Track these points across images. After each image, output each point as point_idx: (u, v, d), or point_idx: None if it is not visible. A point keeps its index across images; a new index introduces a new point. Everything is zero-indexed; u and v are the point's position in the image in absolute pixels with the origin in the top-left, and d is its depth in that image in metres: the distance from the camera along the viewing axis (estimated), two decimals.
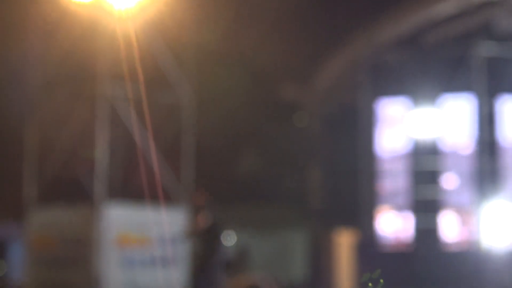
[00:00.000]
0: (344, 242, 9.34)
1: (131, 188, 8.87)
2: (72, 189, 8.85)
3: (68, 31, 8.23)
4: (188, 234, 6.40)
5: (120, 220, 8.62)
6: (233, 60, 9.73)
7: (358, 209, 9.34)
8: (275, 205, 10.63)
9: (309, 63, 9.74)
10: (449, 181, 9.09)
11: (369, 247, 8.89)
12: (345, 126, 9.75)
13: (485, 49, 8.93)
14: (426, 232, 8.86)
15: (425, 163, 8.77)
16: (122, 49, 7.11)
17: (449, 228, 8.96)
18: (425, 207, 8.60)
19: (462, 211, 9.24)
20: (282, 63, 9.89)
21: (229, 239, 9.72)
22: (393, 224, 9.12)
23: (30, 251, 9.21)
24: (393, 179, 9.15)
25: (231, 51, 9.92)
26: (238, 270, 8.96)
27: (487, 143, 8.61)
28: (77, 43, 8.40)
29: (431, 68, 9.00)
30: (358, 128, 9.41)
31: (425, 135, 8.77)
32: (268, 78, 9.97)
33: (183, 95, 8.70)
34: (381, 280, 0.90)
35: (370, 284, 0.99)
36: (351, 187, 9.18)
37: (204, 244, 6.63)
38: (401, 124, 9.25)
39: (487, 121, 8.79)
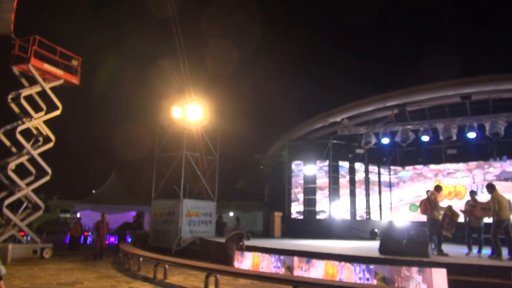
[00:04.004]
0: (277, 216, 17.59)
1: (193, 192, 17.57)
2: (170, 192, 16.91)
3: (174, 129, 17.55)
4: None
5: (188, 205, 16.13)
6: (235, 142, 20.62)
7: (283, 204, 18.55)
8: (252, 201, 21.36)
9: (265, 146, 20.74)
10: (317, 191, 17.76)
11: (287, 218, 17.93)
12: (279, 171, 19.73)
13: (332, 142, 17.74)
14: (310, 211, 17.91)
15: (308, 187, 17.94)
16: (194, 137, 17.67)
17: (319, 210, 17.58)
18: (308, 202, 18.51)
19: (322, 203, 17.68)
20: (256, 145, 20.97)
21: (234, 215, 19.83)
22: (295, 209, 18.21)
23: (152, 217, 17.23)
24: (297, 192, 18.42)
25: (234, 139, 20.74)
26: (235, 228, 15.53)
27: (332, 177, 17.73)
28: (176, 133, 17.54)
29: (312, 149, 17.97)
30: (284, 172, 18.92)
31: (309, 173, 18.35)
32: (250, 151, 20.85)
33: (216, 155, 17.84)
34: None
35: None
36: (281, 195, 19.41)
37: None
38: (299, 171, 18.56)
39: (333, 171, 17.74)
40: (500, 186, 15.43)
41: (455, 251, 10.22)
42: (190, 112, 16.73)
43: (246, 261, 10.76)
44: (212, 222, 17.48)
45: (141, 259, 10.42)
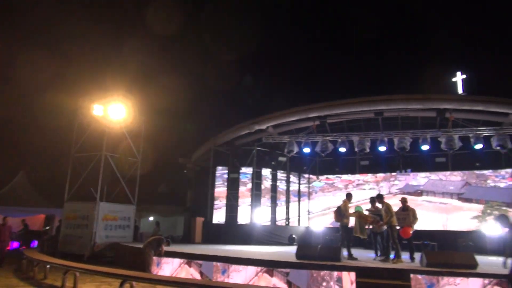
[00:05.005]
0: (199, 222, 17.72)
1: (112, 195, 16.88)
2: (86, 195, 15.95)
3: (94, 128, 16.82)
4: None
5: (105, 208, 15.58)
6: (159, 145, 20.12)
7: (205, 209, 18.42)
8: (173, 206, 20.93)
9: (189, 150, 20.55)
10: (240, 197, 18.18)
11: (209, 224, 18.01)
12: (203, 176, 19.60)
13: (257, 149, 18.20)
14: (232, 217, 18.04)
15: (231, 193, 18.10)
16: (115, 137, 16.97)
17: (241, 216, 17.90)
18: (231, 208, 18.69)
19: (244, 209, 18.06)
20: (181, 149, 20.65)
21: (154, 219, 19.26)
22: (217, 215, 18.33)
23: (64, 221, 16.12)
24: (220, 196, 18.60)
25: (158, 141, 20.25)
26: (155, 233, 16.26)
27: (255, 184, 18.36)
28: (96, 132, 16.63)
29: (237, 155, 18.25)
30: (209, 176, 18.84)
31: (233, 179, 18.51)
32: (174, 154, 20.48)
33: (138, 157, 17.36)
34: None
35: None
36: (204, 200, 19.25)
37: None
38: (223, 177, 18.71)
39: (256, 177, 18.40)
40: None
41: (364, 255, 11.01)
42: (113, 110, 16.22)
43: (165, 268, 10.51)
44: (130, 226, 16.90)
45: (48, 266, 9.65)
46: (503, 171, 16.25)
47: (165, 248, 10.68)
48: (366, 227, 10.77)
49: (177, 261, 10.33)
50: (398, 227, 10.04)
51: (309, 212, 19.62)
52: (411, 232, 10.17)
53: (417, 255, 9.71)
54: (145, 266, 10.37)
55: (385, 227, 10.39)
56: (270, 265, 8.71)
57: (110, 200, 16.69)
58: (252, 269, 8.81)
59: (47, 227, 19.67)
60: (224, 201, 18.46)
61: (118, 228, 16.42)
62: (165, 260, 10.59)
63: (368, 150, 15.67)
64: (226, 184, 18.56)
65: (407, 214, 10.26)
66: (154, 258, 10.60)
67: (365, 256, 11.02)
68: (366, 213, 10.85)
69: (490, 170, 16.47)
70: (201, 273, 9.62)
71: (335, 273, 7.89)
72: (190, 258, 10.11)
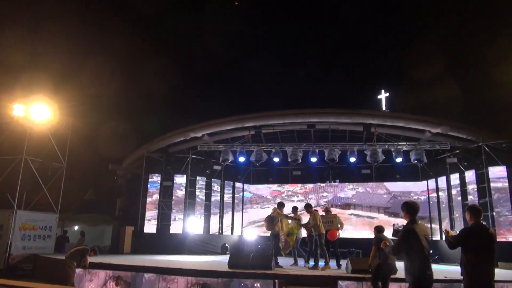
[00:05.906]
0: (128, 231, 17.06)
1: (32, 202, 15.64)
2: (1, 202, 15.01)
3: (13, 130, 15.64)
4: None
5: (23, 217, 14.65)
6: (88, 150, 19.08)
7: (136, 218, 17.64)
8: (101, 214, 19.90)
9: (122, 156, 19.77)
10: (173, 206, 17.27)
11: (139, 233, 17.23)
12: (135, 183, 18.97)
13: (192, 157, 17.53)
14: (164, 226, 17.40)
15: (164, 201, 17.43)
16: (38, 140, 15.78)
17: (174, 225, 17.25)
18: (164, 217, 17.78)
19: (177, 218, 17.41)
20: (112, 157, 19.75)
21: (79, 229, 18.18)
22: (149, 224, 17.49)
23: None
24: (152, 205, 17.87)
25: (87, 146, 19.21)
26: (79, 244, 14.50)
27: (189, 192, 18.59)
28: (16, 134, 15.53)
29: (171, 163, 17.70)
30: (140, 184, 18.07)
31: (166, 187, 18.49)
32: (104, 160, 19.55)
33: (63, 162, 16.42)
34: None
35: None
36: (135, 208, 18.38)
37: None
38: (156, 184, 18.08)
39: (190, 186, 17.70)
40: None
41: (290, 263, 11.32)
42: (36, 111, 15.24)
43: (93, 281, 9.93)
44: (51, 236, 15.86)
45: None
46: (421, 183, 17.66)
47: (91, 259, 10.10)
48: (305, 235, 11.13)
49: (102, 278, 9.81)
50: (324, 232, 10.53)
51: (242, 224, 19.73)
52: (337, 235, 10.75)
53: (343, 262, 10.21)
54: (66, 279, 9.73)
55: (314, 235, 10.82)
56: (201, 275, 8.63)
57: (30, 208, 15.61)
58: (182, 285, 8.61)
59: None
60: (156, 210, 17.88)
61: (38, 238, 15.51)
62: (88, 277, 10.00)
63: (300, 160, 16.24)
64: (158, 192, 18.03)
65: (333, 216, 10.87)
66: (76, 275, 9.95)
67: (295, 264, 11.33)
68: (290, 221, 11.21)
69: (411, 182, 17.84)
70: (129, 280, 9.24)
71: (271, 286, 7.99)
72: (117, 269, 9.67)
